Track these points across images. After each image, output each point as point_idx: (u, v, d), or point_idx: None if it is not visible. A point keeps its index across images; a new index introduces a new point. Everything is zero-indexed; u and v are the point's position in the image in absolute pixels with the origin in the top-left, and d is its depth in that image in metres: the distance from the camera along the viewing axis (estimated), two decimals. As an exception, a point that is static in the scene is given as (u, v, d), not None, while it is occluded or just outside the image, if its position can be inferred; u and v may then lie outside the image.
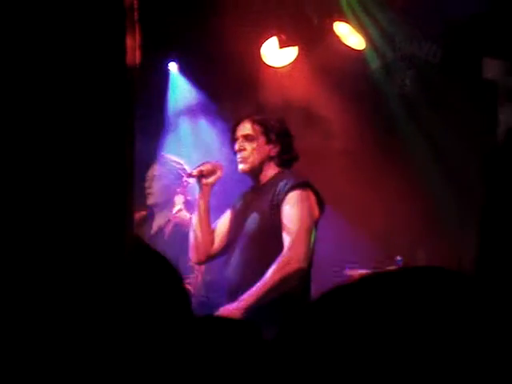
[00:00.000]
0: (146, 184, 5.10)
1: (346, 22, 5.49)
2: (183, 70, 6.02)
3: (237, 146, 4.13)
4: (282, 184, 3.96)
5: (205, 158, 4.44)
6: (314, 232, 3.90)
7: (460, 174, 5.29)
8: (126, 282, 1.01)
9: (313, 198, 3.95)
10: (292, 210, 3.89)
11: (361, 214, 5.34)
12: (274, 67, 5.65)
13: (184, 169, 5.06)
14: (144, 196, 5.09)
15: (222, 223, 4.23)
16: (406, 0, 5.40)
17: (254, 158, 4.09)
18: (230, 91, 5.71)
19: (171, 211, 5.05)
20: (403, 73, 5.55)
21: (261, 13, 5.54)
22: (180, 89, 6.04)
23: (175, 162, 5.11)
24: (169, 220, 5.04)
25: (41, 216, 0.91)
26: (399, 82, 5.57)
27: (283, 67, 5.65)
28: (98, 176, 0.95)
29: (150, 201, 5.10)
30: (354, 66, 5.50)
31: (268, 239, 3.93)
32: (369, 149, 5.50)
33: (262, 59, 5.62)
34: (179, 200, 5.06)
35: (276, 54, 5.60)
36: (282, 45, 5.56)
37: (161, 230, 5.04)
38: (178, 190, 5.07)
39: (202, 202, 4.15)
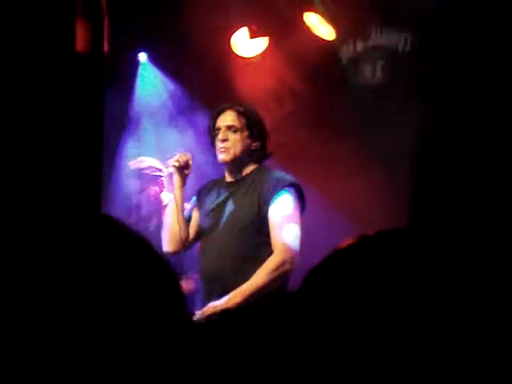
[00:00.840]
0: (134, 198, 5.10)
1: (316, 13, 5.48)
2: (153, 60, 5.98)
3: (220, 136, 4.09)
4: (270, 184, 3.97)
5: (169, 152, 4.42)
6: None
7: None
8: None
9: (299, 200, 3.98)
10: (282, 214, 3.90)
11: (336, 203, 5.36)
12: (244, 57, 5.63)
13: (159, 169, 5.06)
14: (132, 211, 5.09)
15: (194, 212, 4.23)
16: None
17: (236, 150, 4.07)
18: (201, 81, 5.68)
19: (159, 211, 5.04)
20: (374, 63, 5.54)
21: (231, 2, 5.52)
22: (149, 79, 5.99)
23: (151, 167, 5.10)
24: (158, 220, 5.00)
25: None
26: (370, 72, 5.56)
27: (253, 57, 5.63)
28: (64, 166, 0.93)
29: (143, 213, 5.10)
30: (324, 56, 5.49)
31: (248, 233, 3.93)
32: (339, 139, 5.50)
33: (232, 49, 5.59)
34: (166, 196, 5.06)
35: (246, 44, 5.58)
36: (253, 35, 5.55)
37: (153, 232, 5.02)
38: (158, 189, 5.08)
39: (178, 193, 4.15)
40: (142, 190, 5.10)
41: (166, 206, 4.81)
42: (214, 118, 4.17)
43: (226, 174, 4.19)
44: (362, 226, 4.74)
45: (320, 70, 5.47)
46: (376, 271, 0.89)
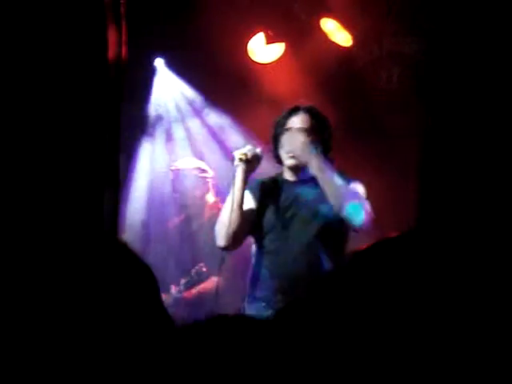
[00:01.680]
0: (177, 195, 5.14)
1: (333, 19, 5.49)
2: (170, 66, 6.00)
3: (290, 139, 3.94)
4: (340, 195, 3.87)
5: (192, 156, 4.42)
6: None
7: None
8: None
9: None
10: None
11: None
12: (260, 63, 5.64)
13: (205, 170, 5.10)
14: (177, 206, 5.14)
15: (249, 207, 4.01)
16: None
17: (304, 154, 3.92)
18: (217, 86, 5.69)
19: (204, 211, 5.09)
20: (390, 69, 5.55)
21: (248, 8, 5.53)
22: (166, 84, 6.02)
23: (196, 168, 5.12)
24: (205, 219, 5.04)
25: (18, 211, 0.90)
26: (385, 78, 5.57)
27: (270, 63, 5.64)
28: (80, 171, 0.94)
29: (187, 212, 5.13)
30: (340, 62, 5.50)
31: (321, 239, 3.89)
32: (354, 144, 5.50)
33: (248, 55, 5.61)
34: (209, 198, 5.09)
35: (263, 49, 5.59)
36: (269, 41, 5.56)
37: (198, 231, 5.05)
38: (205, 191, 5.11)
39: (239, 187, 3.90)
40: (187, 191, 5.13)
41: (210, 205, 4.84)
42: (286, 117, 4.01)
43: (287, 173, 4.02)
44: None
45: (336, 76, 5.48)
46: (391, 277, 0.90)
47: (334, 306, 0.89)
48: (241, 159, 3.91)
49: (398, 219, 4.85)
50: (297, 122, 3.98)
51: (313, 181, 3.92)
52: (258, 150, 3.97)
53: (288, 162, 3.96)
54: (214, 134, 5.81)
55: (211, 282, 4.63)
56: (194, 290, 4.77)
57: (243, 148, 3.99)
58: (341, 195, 3.85)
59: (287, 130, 3.97)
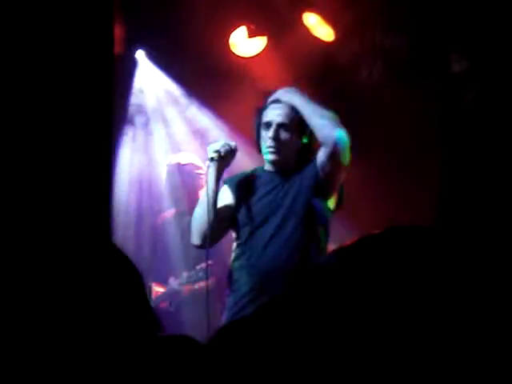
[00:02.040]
0: (169, 190, 5.10)
1: (315, 13, 5.49)
2: (151, 58, 5.97)
3: (271, 133, 3.86)
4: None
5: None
6: None
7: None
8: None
9: None
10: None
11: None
12: (242, 57, 5.64)
13: (199, 166, 5.05)
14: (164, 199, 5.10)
15: (225, 203, 3.96)
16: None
17: (286, 150, 3.88)
18: (198, 79, 5.68)
19: None
20: (371, 64, 5.56)
21: (230, 1, 5.52)
22: (147, 77, 5.99)
23: (190, 164, 5.07)
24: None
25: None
26: (367, 72, 5.58)
27: (252, 57, 5.64)
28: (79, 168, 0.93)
29: (180, 207, 5.09)
30: (322, 57, 5.50)
31: (308, 221, 3.82)
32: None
33: (230, 48, 5.61)
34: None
35: (245, 43, 5.59)
36: (251, 34, 5.55)
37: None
38: (198, 187, 5.02)
39: (211, 185, 3.84)
40: (181, 186, 5.09)
41: None
42: (266, 108, 3.94)
43: (268, 166, 3.96)
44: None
45: (318, 71, 5.49)
46: (380, 270, 0.88)
47: (319, 303, 0.88)
48: (212, 158, 3.85)
49: (379, 214, 4.88)
50: (276, 114, 3.90)
51: (295, 172, 3.89)
52: (233, 144, 3.91)
53: (269, 156, 3.90)
54: (195, 129, 5.79)
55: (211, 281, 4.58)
56: (195, 286, 4.73)
57: (215, 143, 3.92)
58: (330, 118, 3.87)
59: (268, 124, 3.90)
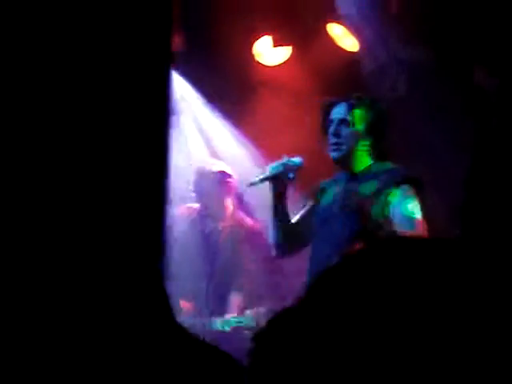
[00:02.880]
0: (190, 187, 5.03)
1: (340, 24, 5.50)
2: (175, 67, 5.98)
3: (331, 129, 3.84)
4: (388, 175, 3.73)
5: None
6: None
7: (449, 176, 5.33)
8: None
9: (419, 195, 3.75)
10: (406, 202, 3.67)
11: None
12: (266, 66, 5.66)
13: (229, 174, 4.99)
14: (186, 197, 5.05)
15: (299, 217, 4.03)
16: (401, 2, 5.43)
17: (349, 146, 3.82)
18: (223, 88, 5.69)
19: (222, 215, 4.97)
20: (395, 76, 5.56)
21: (256, 11, 5.54)
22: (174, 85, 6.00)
23: (220, 172, 5.00)
24: (222, 224, 4.95)
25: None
26: (390, 85, 5.58)
27: (276, 66, 5.66)
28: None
29: (199, 205, 5.06)
30: (346, 67, 5.51)
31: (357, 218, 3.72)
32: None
33: (255, 57, 5.63)
34: (229, 203, 4.97)
35: (269, 52, 5.61)
36: (276, 44, 5.57)
37: (212, 233, 4.96)
38: (225, 192, 4.99)
39: (271, 205, 3.98)
40: (210, 192, 5.02)
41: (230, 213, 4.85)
42: (327, 110, 3.92)
43: (337, 168, 3.95)
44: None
45: (342, 81, 5.49)
46: (390, 277, 0.87)
47: (326, 309, 0.88)
48: (252, 183, 3.99)
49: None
50: (337, 112, 3.87)
51: (363, 172, 3.83)
52: (294, 161, 3.95)
53: (331, 155, 3.87)
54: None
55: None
56: (245, 332, 4.42)
57: (275, 163, 3.97)
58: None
59: (330, 122, 3.88)
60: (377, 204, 3.68)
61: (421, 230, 3.62)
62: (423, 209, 3.71)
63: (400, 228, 3.61)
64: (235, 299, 4.70)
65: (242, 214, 5.01)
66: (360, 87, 5.47)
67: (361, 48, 5.50)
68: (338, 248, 3.60)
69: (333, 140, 3.83)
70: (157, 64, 0.97)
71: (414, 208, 3.67)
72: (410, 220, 3.64)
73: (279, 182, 3.93)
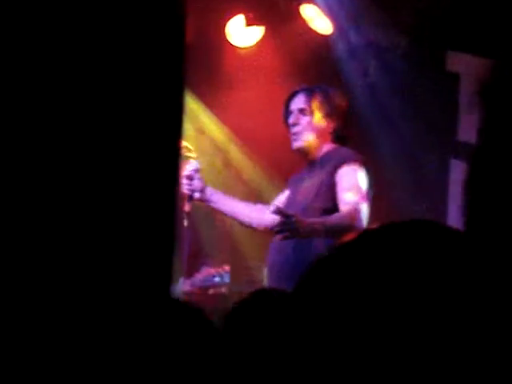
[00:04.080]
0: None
1: (314, 5, 5.46)
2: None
3: (291, 120, 3.93)
4: (340, 156, 3.83)
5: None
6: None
7: (421, 161, 5.41)
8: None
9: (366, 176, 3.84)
10: (348, 181, 3.76)
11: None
12: (238, 46, 5.60)
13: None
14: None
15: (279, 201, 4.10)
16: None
17: (309, 134, 3.90)
18: (192, 67, 5.63)
19: None
20: (367, 61, 5.57)
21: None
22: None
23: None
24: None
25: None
26: (362, 70, 5.59)
27: (248, 47, 5.60)
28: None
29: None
30: (319, 49, 5.49)
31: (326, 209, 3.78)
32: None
33: (226, 37, 5.56)
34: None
35: (242, 32, 5.54)
36: (249, 23, 5.50)
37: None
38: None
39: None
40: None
41: None
42: (288, 102, 4.00)
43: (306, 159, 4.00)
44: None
45: (314, 63, 5.48)
46: (382, 267, 0.84)
47: (317, 301, 0.85)
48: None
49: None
50: (296, 102, 3.96)
51: (323, 158, 3.89)
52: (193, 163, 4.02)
53: (292, 144, 3.96)
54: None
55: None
56: (209, 291, 4.55)
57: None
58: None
59: (290, 113, 3.97)
60: (323, 193, 3.80)
61: (364, 200, 3.73)
62: (369, 185, 3.82)
63: (346, 195, 3.72)
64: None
65: None
66: (332, 70, 5.48)
67: (334, 31, 5.47)
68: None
69: (292, 130, 3.92)
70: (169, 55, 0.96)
71: (361, 180, 3.79)
72: (356, 188, 3.75)
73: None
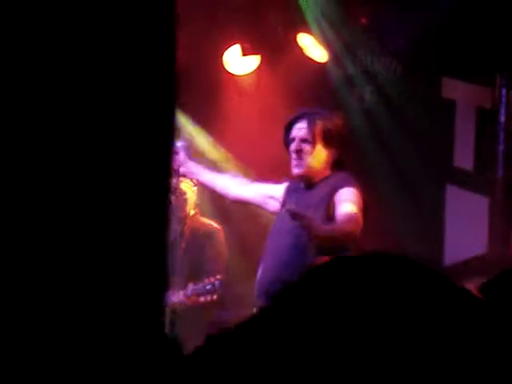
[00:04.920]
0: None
1: (310, 34, 5.53)
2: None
3: (293, 147, 4.00)
4: (338, 180, 3.92)
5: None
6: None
7: (417, 186, 5.43)
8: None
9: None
10: (347, 198, 3.84)
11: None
12: (235, 75, 5.65)
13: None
14: None
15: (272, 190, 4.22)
16: (369, 15, 5.47)
17: (310, 162, 3.98)
18: (191, 96, 5.68)
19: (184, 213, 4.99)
20: (363, 87, 5.62)
21: (226, 19, 5.53)
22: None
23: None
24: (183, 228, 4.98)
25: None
26: (358, 96, 5.63)
27: (245, 75, 5.66)
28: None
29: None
30: (315, 78, 5.54)
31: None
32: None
33: (224, 66, 5.61)
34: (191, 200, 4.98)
35: (238, 61, 5.60)
36: (245, 53, 5.57)
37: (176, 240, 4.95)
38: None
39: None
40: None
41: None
42: (289, 128, 4.06)
43: (301, 183, 4.09)
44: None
45: (310, 91, 5.52)
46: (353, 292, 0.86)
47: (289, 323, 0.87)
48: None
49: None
50: (298, 130, 4.01)
51: (320, 184, 3.97)
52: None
53: (293, 170, 4.02)
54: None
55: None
56: (200, 299, 4.59)
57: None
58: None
59: (292, 139, 4.03)
60: (322, 208, 3.87)
61: (359, 224, 3.81)
62: (362, 206, 3.88)
63: (345, 206, 3.81)
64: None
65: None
66: (328, 98, 5.52)
67: (329, 59, 5.52)
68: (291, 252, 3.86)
69: (294, 157, 3.99)
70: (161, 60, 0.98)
71: (358, 200, 3.86)
72: (351, 215, 3.81)
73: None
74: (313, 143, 3.97)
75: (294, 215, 3.65)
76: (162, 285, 1.00)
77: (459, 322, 0.84)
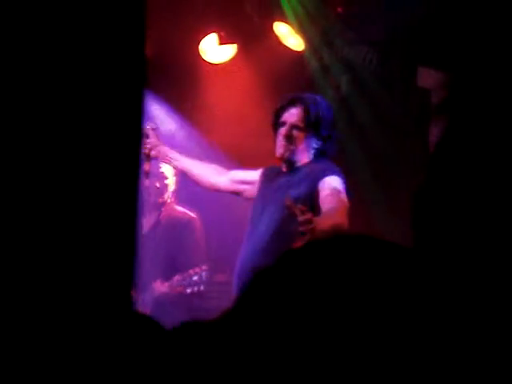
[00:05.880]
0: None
1: (286, 23, 5.53)
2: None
3: (283, 131, 4.00)
4: (322, 168, 3.91)
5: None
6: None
7: (391, 175, 5.46)
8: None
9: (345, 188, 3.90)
10: (331, 187, 3.81)
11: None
12: (212, 63, 5.65)
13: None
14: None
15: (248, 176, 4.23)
16: (346, 4, 5.49)
17: (297, 148, 4.00)
18: (168, 85, 5.67)
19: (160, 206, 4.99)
20: (339, 76, 5.63)
21: (201, 8, 5.53)
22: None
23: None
24: (159, 216, 4.96)
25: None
26: (335, 85, 5.65)
27: (221, 64, 5.66)
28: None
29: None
30: (292, 66, 5.55)
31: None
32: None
33: (200, 55, 5.61)
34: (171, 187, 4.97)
35: (215, 50, 5.60)
36: (222, 41, 5.57)
37: (152, 229, 4.95)
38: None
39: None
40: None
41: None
42: (280, 110, 4.05)
43: (282, 166, 4.09)
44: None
45: (287, 80, 5.53)
46: (327, 275, 0.88)
47: (263, 307, 0.89)
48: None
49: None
50: (291, 116, 4.00)
51: (302, 169, 3.96)
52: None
53: (278, 151, 4.00)
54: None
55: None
56: (187, 290, 4.60)
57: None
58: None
59: (283, 123, 4.02)
60: (304, 192, 3.86)
61: (346, 206, 3.79)
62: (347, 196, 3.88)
63: (326, 199, 3.78)
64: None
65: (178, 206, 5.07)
66: (305, 86, 5.53)
67: (306, 47, 5.53)
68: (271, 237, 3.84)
69: (284, 142, 3.98)
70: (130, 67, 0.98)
71: (341, 187, 3.86)
72: (338, 193, 3.82)
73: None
74: (304, 131, 3.98)
75: (289, 207, 3.56)
76: (130, 272, 1.01)
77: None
